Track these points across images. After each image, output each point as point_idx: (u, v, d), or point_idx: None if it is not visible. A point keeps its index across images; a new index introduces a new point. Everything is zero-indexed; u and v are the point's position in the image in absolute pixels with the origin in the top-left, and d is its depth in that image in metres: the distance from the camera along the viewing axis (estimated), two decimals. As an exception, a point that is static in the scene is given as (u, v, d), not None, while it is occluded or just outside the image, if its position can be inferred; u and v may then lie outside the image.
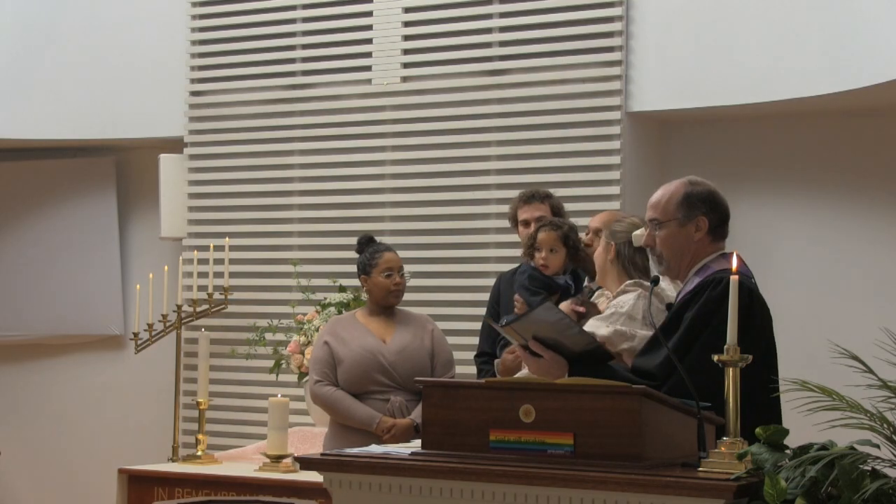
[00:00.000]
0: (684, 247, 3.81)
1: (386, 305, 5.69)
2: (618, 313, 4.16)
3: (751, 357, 3.13)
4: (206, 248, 7.18)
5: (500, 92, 6.77)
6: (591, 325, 4.15)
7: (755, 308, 3.69)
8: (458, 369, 5.86)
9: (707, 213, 3.82)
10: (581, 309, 4.40)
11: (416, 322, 5.73)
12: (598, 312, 4.34)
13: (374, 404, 5.53)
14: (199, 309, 7.22)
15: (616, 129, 6.49)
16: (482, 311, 6.03)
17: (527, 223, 5.56)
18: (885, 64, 5.61)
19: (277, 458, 5.81)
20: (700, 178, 3.92)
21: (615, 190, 6.36)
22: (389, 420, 5.48)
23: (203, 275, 7.17)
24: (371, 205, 7.06)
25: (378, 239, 5.94)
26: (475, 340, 5.90)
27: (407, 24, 7.02)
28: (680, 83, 6.42)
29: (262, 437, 6.24)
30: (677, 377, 3.44)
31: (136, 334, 7.15)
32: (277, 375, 6.83)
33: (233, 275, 7.23)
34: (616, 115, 6.50)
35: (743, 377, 3.11)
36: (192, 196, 7.54)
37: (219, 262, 7.15)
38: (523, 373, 4.16)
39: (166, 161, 7.55)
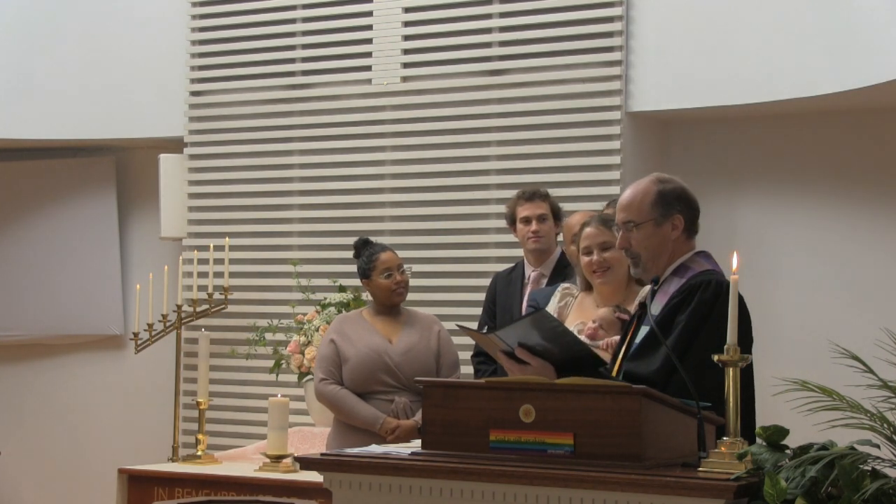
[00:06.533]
0: (661, 246, 3.74)
1: (391, 305, 5.68)
2: None
3: (750, 357, 3.13)
4: (206, 248, 7.18)
5: (500, 92, 6.77)
6: None
7: (744, 308, 3.68)
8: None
9: (682, 210, 3.75)
10: (625, 316, 4.32)
11: (422, 322, 5.72)
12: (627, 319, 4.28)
13: (379, 404, 5.53)
14: (199, 309, 7.22)
15: (616, 129, 6.49)
16: (481, 310, 6.04)
17: (527, 220, 5.64)
18: (886, 64, 5.61)
19: (277, 458, 5.81)
20: (668, 175, 3.84)
21: (615, 190, 6.35)
22: (394, 421, 5.48)
23: (203, 275, 7.17)
24: (371, 205, 7.06)
25: (377, 239, 5.94)
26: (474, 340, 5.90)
27: (407, 24, 7.02)
28: (680, 83, 6.42)
29: (262, 437, 6.24)
30: (677, 382, 3.40)
31: (136, 334, 7.15)
32: (277, 375, 6.83)
33: (233, 275, 7.23)
34: (616, 115, 6.50)
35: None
36: (192, 196, 7.54)
37: (219, 262, 7.15)
38: None
39: (166, 161, 7.55)
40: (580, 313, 4.54)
